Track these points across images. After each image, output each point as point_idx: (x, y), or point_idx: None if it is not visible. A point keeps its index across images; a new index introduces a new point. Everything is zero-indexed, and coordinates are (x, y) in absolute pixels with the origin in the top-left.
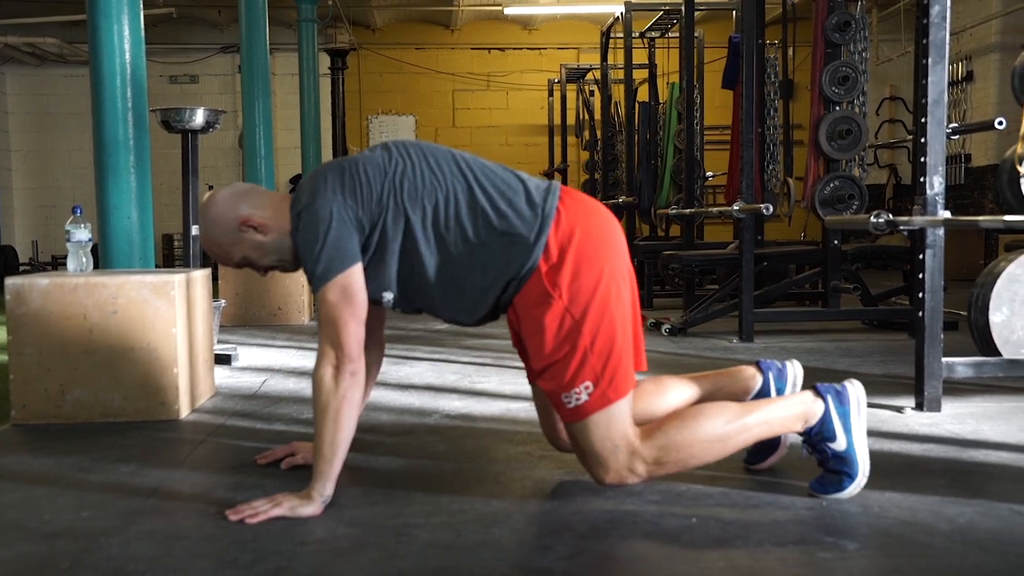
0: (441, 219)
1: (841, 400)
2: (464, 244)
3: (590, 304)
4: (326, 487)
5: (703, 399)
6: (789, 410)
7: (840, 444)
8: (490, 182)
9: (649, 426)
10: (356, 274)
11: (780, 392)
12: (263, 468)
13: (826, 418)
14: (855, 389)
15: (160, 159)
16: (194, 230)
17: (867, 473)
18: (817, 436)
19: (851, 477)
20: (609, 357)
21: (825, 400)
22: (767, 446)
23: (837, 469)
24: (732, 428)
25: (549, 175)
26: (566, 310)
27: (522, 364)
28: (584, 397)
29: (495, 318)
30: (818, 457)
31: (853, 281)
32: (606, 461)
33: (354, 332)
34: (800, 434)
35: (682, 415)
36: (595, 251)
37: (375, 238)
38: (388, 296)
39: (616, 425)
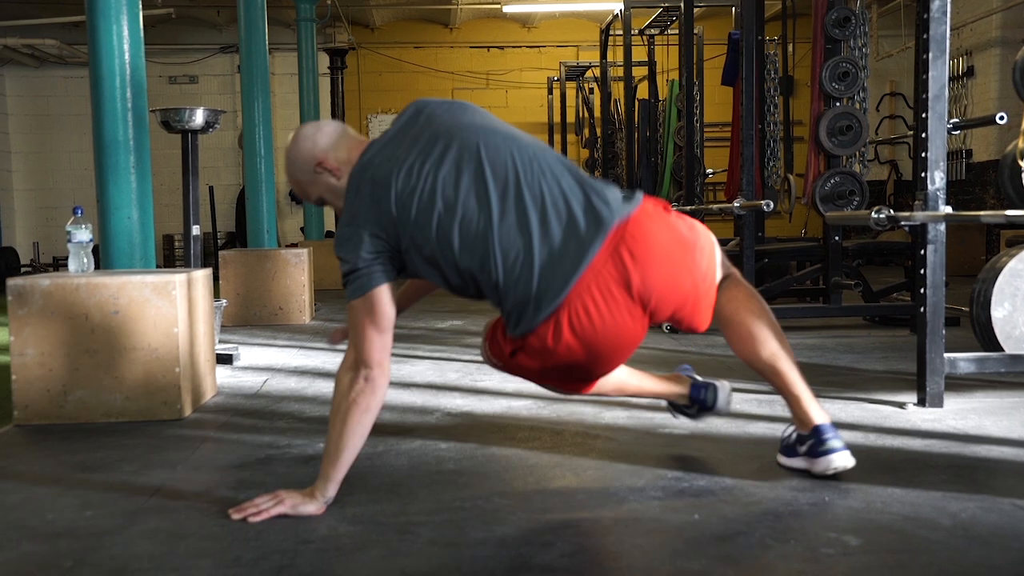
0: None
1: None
2: (473, 281)
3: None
4: (328, 488)
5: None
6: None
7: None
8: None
9: None
10: (381, 294)
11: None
12: (265, 467)
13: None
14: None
15: (160, 159)
16: (195, 230)
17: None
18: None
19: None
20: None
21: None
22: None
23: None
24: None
25: None
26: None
27: None
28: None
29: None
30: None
31: (854, 277)
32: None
33: (374, 340)
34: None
35: None
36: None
37: (412, 254)
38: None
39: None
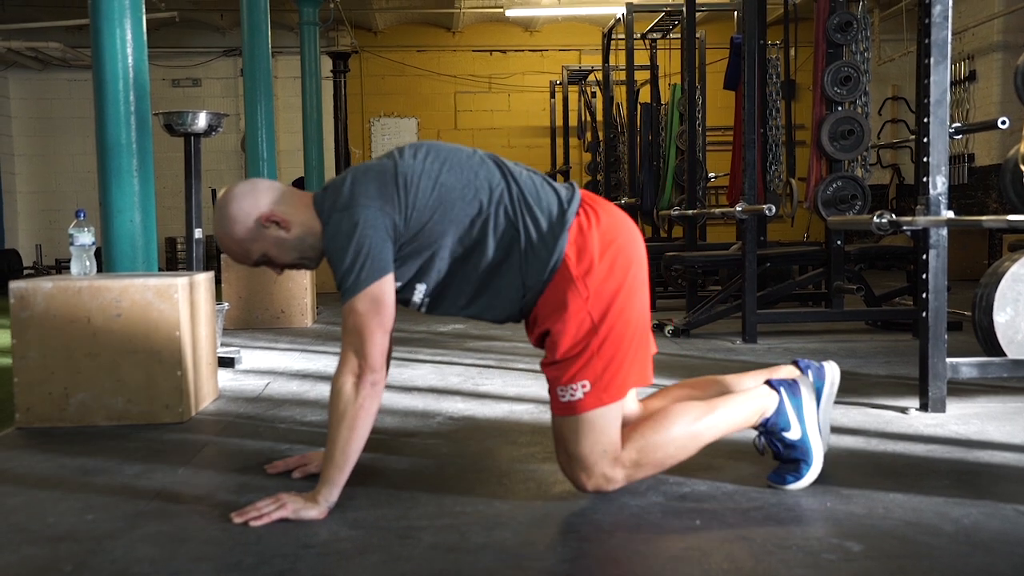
0: (477, 226)
1: (793, 392)
2: (496, 251)
3: (609, 307)
4: (332, 493)
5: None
6: (748, 405)
7: (794, 434)
8: (521, 189)
9: (625, 430)
10: (387, 284)
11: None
12: (265, 471)
13: (780, 409)
14: (805, 381)
15: (163, 162)
16: (197, 233)
17: (821, 461)
18: (772, 427)
19: (807, 464)
20: (612, 361)
21: (779, 392)
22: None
23: (792, 458)
24: (701, 426)
25: (551, 177)
26: (588, 312)
27: (525, 367)
28: (579, 395)
29: (519, 320)
30: (773, 449)
31: (856, 282)
32: (591, 466)
33: (379, 342)
34: (754, 427)
35: (655, 417)
36: (619, 258)
37: (412, 244)
38: (420, 288)
39: (605, 428)
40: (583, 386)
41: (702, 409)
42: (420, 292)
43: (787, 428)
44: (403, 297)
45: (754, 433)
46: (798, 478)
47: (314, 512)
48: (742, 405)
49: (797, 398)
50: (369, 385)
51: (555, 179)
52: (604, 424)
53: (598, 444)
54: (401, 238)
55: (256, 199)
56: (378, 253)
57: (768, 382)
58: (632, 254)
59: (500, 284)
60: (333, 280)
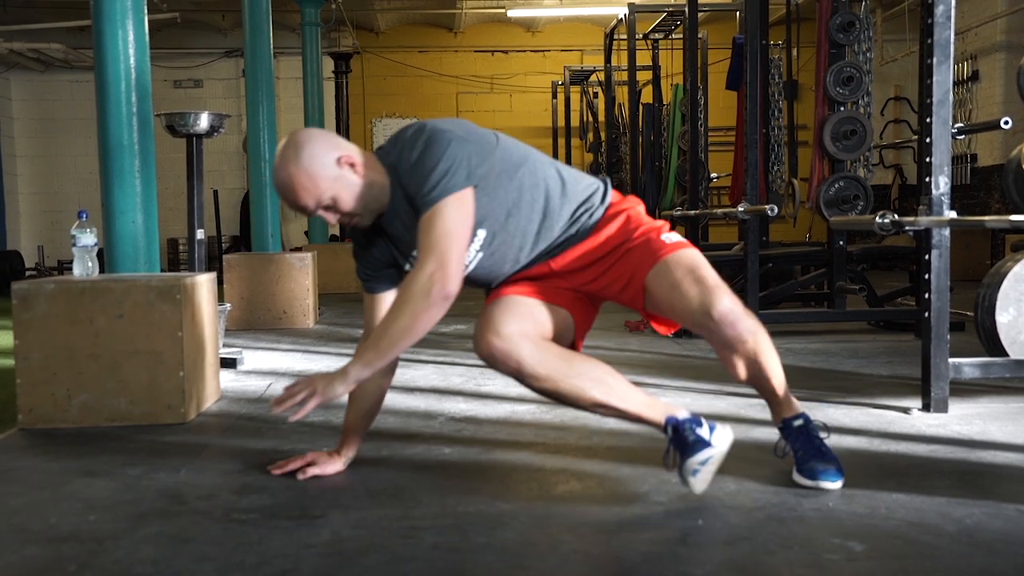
0: (538, 176)
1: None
2: (561, 197)
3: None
4: (362, 372)
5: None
6: (645, 406)
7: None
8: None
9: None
10: (473, 197)
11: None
12: (268, 471)
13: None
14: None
15: (165, 163)
16: (199, 234)
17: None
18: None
19: (708, 445)
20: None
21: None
22: None
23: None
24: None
25: None
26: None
27: None
28: (672, 238)
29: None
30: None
31: (859, 282)
32: (717, 285)
33: (461, 256)
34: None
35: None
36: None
37: (486, 181)
38: (480, 234)
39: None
40: (667, 231)
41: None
42: (478, 240)
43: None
44: None
45: (765, 434)
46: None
47: (340, 388)
48: (639, 400)
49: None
50: (442, 298)
51: None
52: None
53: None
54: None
55: (336, 141)
56: (470, 161)
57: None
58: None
59: (553, 222)
60: (335, 281)
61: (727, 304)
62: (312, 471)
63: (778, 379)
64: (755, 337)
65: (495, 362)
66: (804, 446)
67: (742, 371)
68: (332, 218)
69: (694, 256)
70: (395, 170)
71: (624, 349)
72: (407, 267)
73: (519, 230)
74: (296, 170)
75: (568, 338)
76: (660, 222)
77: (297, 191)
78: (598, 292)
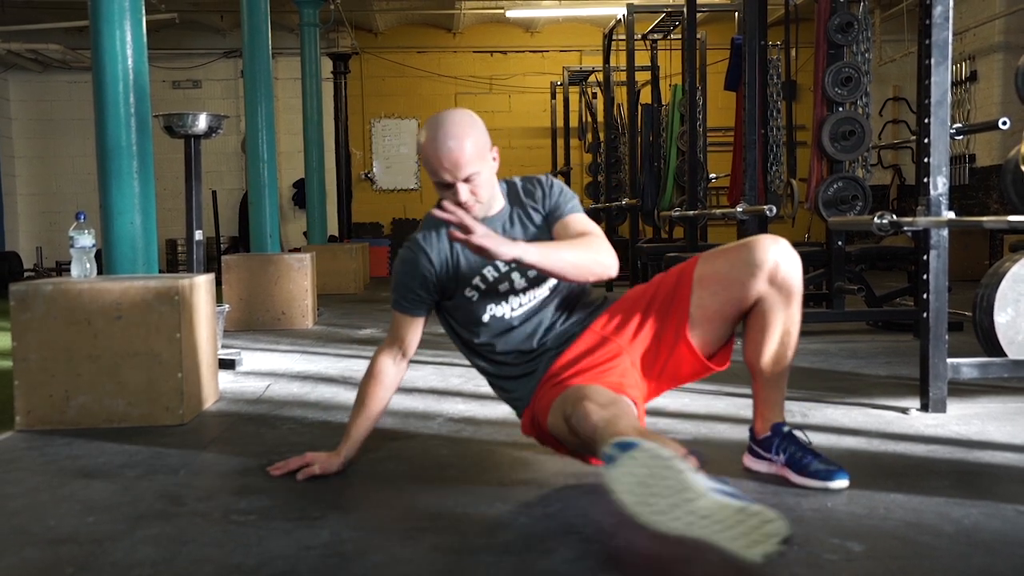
0: None
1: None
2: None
3: None
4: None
5: None
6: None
7: None
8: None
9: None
10: None
11: None
12: (267, 472)
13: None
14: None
15: (163, 164)
16: (198, 235)
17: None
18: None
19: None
20: None
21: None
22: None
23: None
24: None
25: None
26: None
27: None
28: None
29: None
30: None
31: (857, 282)
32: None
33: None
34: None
35: None
36: None
37: None
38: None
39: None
40: None
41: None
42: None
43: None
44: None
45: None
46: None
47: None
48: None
49: None
50: (612, 267)
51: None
52: None
53: None
54: None
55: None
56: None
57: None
58: None
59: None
60: (333, 282)
61: (775, 250)
62: (311, 472)
63: (788, 365)
64: (799, 286)
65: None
66: (801, 450)
67: (771, 346)
68: (464, 193)
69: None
70: (511, 191)
71: None
72: (488, 273)
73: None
74: (477, 135)
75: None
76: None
77: (468, 153)
78: (645, 349)
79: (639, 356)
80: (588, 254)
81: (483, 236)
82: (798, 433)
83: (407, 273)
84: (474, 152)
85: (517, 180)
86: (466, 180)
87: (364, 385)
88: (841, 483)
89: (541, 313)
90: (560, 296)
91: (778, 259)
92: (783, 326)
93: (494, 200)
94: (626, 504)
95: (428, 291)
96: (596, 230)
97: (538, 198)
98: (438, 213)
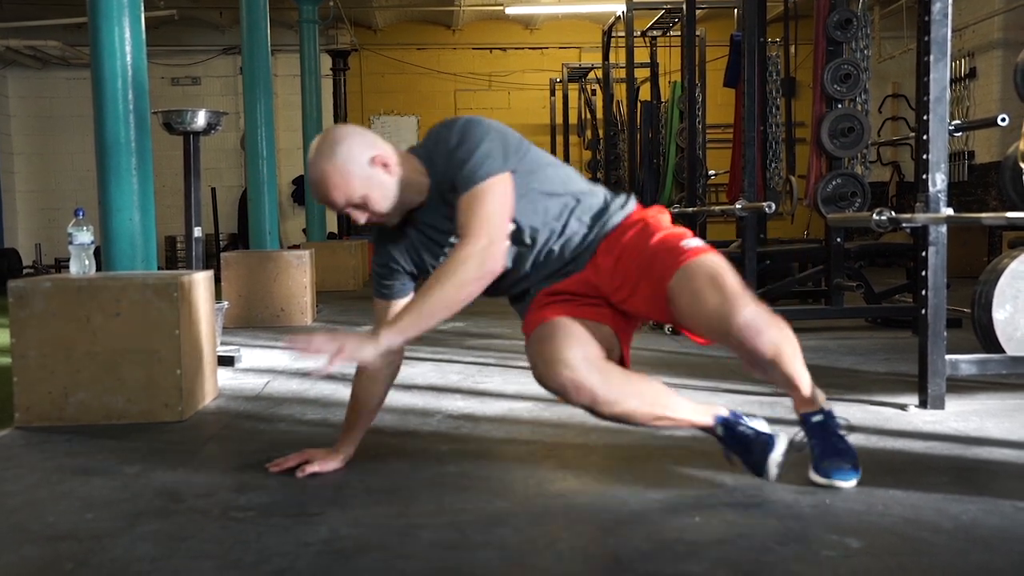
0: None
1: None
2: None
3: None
4: (395, 339)
5: None
6: (693, 414)
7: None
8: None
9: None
10: (512, 181)
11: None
12: (266, 469)
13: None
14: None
15: (162, 161)
16: (196, 231)
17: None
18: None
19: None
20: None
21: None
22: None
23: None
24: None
25: None
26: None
27: (524, 365)
28: (693, 243)
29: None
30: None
31: (856, 279)
32: (739, 293)
33: (505, 235)
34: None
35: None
36: None
37: (518, 173)
38: (509, 227)
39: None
40: (688, 239)
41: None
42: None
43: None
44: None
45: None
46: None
47: (370, 351)
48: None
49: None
50: (490, 273)
51: None
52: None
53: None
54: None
55: (372, 140)
56: (509, 146)
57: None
58: None
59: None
60: (332, 279)
61: (749, 314)
62: (310, 468)
63: (802, 380)
64: (778, 348)
65: (567, 393)
66: (821, 443)
67: (764, 375)
68: (361, 217)
69: (716, 262)
70: (431, 161)
71: None
72: (440, 261)
73: (545, 227)
74: (330, 167)
75: (616, 354)
76: (682, 228)
77: (329, 188)
78: (628, 306)
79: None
80: (450, 288)
81: (338, 357)
82: (841, 419)
83: (381, 264)
84: (341, 182)
85: (429, 146)
86: (354, 206)
87: (356, 380)
88: (841, 482)
89: (521, 264)
90: (541, 248)
91: (746, 338)
92: (768, 369)
93: (415, 195)
94: None
95: (404, 276)
96: (485, 219)
97: (444, 170)
98: (289, 347)
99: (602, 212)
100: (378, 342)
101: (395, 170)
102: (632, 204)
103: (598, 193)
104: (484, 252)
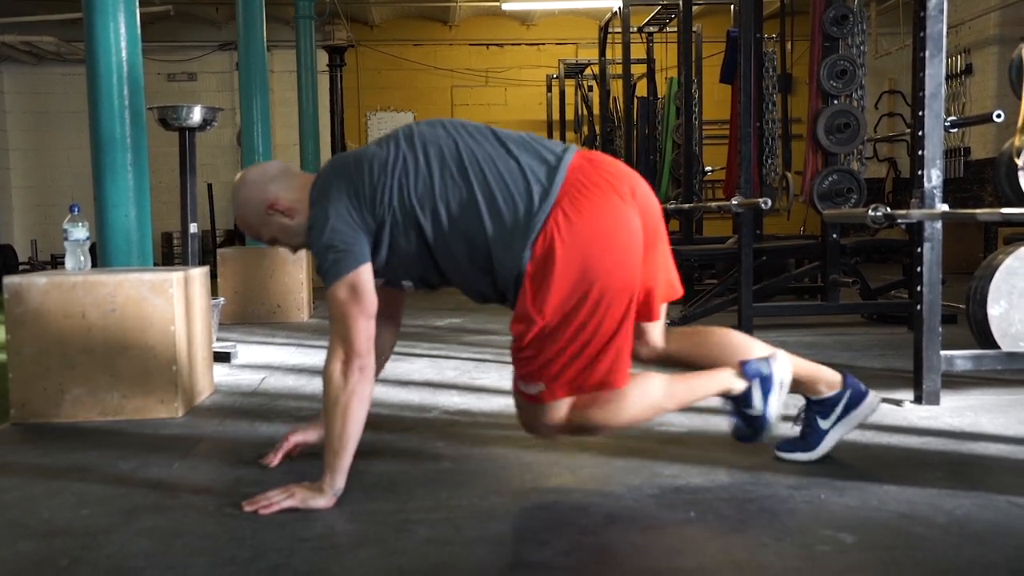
0: (444, 221)
1: (764, 384)
2: (465, 246)
3: (570, 317)
4: (336, 480)
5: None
6: (711, 385)
7: (755, 411)
8: (489, 180)
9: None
10: (364, 274)
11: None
12: (261, 465)
13: (747, 394)
14: (781, 371)
15: (158, 157)
16: (192, 228)
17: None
18: (738, 401)
19: (760, 432)
20: (570, 366)
21: (749, 382)
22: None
23: (752, 426)
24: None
25: None
26: (542, 328)
27: None
28: (534, 391)
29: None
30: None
31: (852, 275)
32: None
33: (363, 329)
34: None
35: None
36: (589, 259)
37: (385, 235)
38: (407, 284)
39: (556, 412)
40: (537, 387)
41: (665, 383)
42: (407, 284)
43: (750, 407)
44: (393, 280)
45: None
46: (752, 440)
47: (322, 501)
48: (705, 384)
49: (768, 387)
50: (357, 371)
51: None
52: (554, 410)
53: (546, 418)
54: (372, 229)
55: (264, 187)
56: (351, 245)
57: (743, 370)
58: (611, 238)
59: (474, 278)
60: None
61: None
62: (295, 439)
63: (702, 395)
64: (607, 425)
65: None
66: (806, 425)
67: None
68: (289, 249)
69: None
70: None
71: None
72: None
73: (449, 262)
74: (238, 212)
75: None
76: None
77: (244, 228)
78: None
79: None
80: (338, 417)
81: (287, 502)
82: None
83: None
84: (247, 226)
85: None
86: (271, 242)
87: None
88: (786, 454)
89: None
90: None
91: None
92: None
93: None
94: None
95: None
96: (336, 328)
97: None
98: (248, 509)
99: (499, 263)
100: (325, 492)
101: (295, 211)
102: (549, 204)
103: (502, 211)
104: (346, 367)
